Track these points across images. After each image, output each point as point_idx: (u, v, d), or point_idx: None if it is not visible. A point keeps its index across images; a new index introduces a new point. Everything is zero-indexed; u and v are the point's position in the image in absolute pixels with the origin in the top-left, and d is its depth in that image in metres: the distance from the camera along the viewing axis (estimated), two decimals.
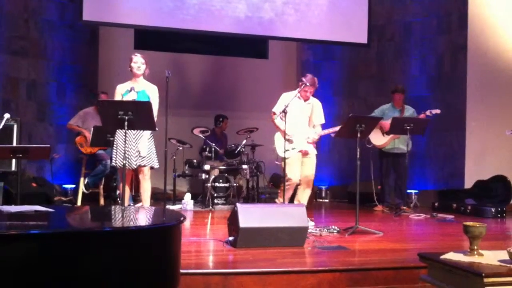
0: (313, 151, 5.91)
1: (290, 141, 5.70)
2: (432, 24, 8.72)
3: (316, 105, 6.00)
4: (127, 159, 5.31)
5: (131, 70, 5.57)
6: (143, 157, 5.48)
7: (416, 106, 7.53)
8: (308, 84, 5.74)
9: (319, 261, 4.06)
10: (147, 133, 5.50)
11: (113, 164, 5.58)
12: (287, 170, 5.69)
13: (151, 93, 5.55)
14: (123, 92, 5.54)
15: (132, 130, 5.24)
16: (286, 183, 5.68)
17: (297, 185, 5.88)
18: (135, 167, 5.51)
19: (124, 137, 4.98)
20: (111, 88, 7.74)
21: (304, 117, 5.92)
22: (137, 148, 5.45)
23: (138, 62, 5.56)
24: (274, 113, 5.88)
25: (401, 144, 7.27)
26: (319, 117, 6.02)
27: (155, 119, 5.28)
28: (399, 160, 7.33)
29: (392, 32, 9.20)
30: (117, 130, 5.43)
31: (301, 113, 5.87)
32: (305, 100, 5.90)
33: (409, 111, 7.45)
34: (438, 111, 7.03)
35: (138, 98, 5.44)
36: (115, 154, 5.49)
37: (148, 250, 2.49)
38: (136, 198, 7.08)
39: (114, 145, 5.52)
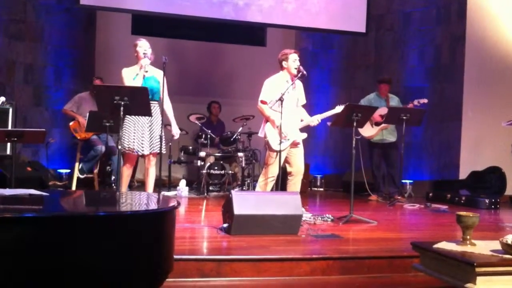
0: (302, 137, 5.57)
1: (282, 132, 5.22)
2: (431, 15, 8.69)
3: (300, 85, 5.60)
4: (137, 145, 5.30)
5: (137, 55, 5.42)
6: (157, 144, 5.39)
7: (414, 97, 7.49)
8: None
9: (313, 249, 4.07)
10: (159, 119, 5.39)
11: (119, 147, 5.20)
12: (272, 166, 5.41)
13: (160, 78, 5.41)
14: (133, 76, 5.35)
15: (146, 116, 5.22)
16: (270, 179, 5.43)
17: (285, 175, 5.55)
18: (148, 152, 5.39)
19: (135, 122, 5.04)
20: (108, 73, 7.75)
21: (293, 104, 5.45)
22: (152, 133, 5.37)
23: (144, 46, 5.40)
24: (264, 102, 5.42)
25: (389, 134, 7.31)
26: (303, 98, 5.65)
27: (168, 101, 5.50)
28: (390, 151, 7.37)
29: (391, 22, 9.17)
30: (126, 116, 5.20)
31: (290, 99, 5.37)
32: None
33: (393, 100, 7.46)
34: (425, 100, 7.02)
35: (150, 83, 5.36)
36: (127, 138, 5.31)
37: (143, 235, 2.49)
38: (131, 184, 7.08)
39: (124, 129, 5.27)
